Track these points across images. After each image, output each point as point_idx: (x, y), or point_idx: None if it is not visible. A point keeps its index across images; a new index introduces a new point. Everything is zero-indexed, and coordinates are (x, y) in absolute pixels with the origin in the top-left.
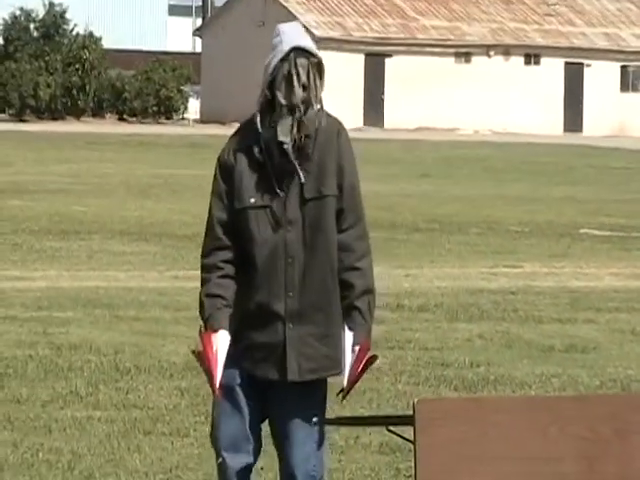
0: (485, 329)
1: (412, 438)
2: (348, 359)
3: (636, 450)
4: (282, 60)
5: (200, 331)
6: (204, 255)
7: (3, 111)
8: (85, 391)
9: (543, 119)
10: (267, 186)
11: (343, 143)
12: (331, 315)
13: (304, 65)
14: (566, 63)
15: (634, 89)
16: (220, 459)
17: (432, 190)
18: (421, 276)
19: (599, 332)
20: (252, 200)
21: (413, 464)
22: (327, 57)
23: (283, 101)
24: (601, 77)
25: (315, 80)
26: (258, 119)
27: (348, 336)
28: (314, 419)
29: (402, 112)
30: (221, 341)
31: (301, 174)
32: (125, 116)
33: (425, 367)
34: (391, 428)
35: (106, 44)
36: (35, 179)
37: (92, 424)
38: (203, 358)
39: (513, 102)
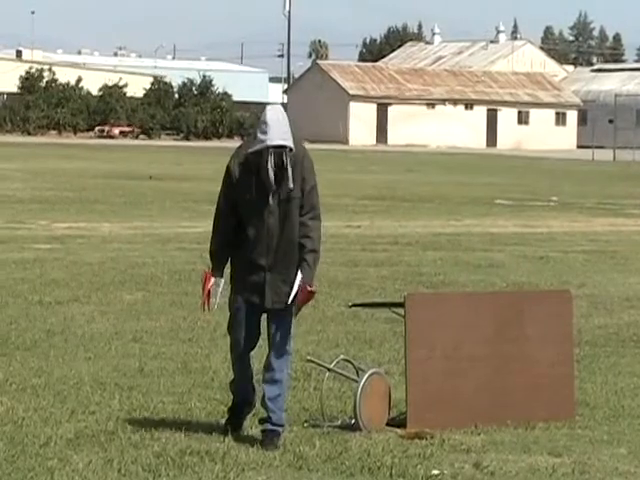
0: (443, 255)
1: (404, 315)
2: (294, 290)
3: (527, 320)
4: (265, 150)
5: (207, 269)
6: (215, 221)
7: (177, 134)
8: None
9: (474, 140)
10: (258, 189)
11: (305, 163)
12: (293, 268)
13: (279, 155)
14: (488, 109)
15: (525, 123)
16: (234, 346)
17: (413, 178)
18: (408, 226)
19: (506, 257)
20: (248, 196)
21: (404, 329)
22: (356, 105)
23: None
24: (507, 117)
25: (285, 158)
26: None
27: (298, 277)
28: (287, 326)
29: (397, 136)
30: (216, 282)
31: (274, 186)
32: (244, 137)
33: (410, 275)
34: (392, 309)
35: (235, 98)
36: (193, 172)
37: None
38: (203, 285)
39: (458, 130)
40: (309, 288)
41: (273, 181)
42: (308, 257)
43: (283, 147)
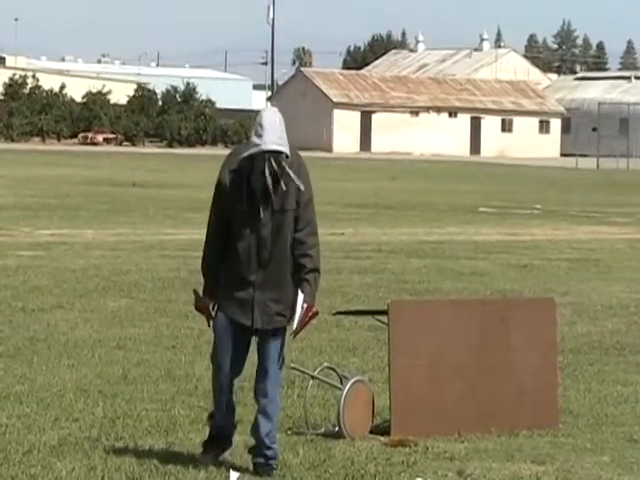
0: (427, 262)
1: (387, 322)
2: (298, 312)
3: (511, 328)
4: (260, 155)
5: (203, 291)
6: (208, 236)
7: (161, 141)
8: None
9: (458, 148)
10: (250, 198)
11: (301, 172)
12: (284, 287)
13: (274, 161)
14: (471, 117)
15: (508, 131)
16: (217, 373)
17: (397, 186)
18: (391, 233)
19: (489, 264)
20: (239, 206)
21: (387, 336)
22: (340, 113)
23: (265, 176)
24: (490, 124)
25: (279, 162)
26: (245, 159)
27: (300, 297)
28: (278, 350)
29: (381, 143)
30: (212, 303)
31: (271, 192)
32: (228, 144)
33: (394, 283)
34: (376, 317)
35: (218, 105)
36: (177, 179)
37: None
38: (199, 305)
39: (442, 138)
40: (312, 309)
41: (269, 188)
42: (309, 276)
43: (278, 152)
